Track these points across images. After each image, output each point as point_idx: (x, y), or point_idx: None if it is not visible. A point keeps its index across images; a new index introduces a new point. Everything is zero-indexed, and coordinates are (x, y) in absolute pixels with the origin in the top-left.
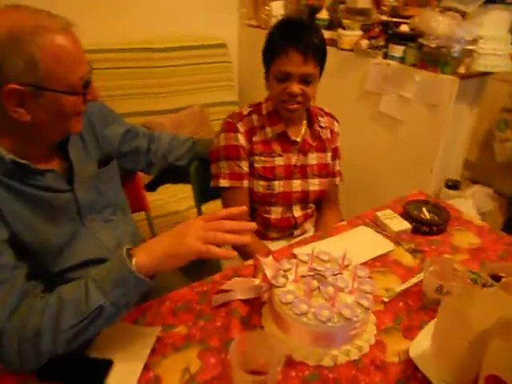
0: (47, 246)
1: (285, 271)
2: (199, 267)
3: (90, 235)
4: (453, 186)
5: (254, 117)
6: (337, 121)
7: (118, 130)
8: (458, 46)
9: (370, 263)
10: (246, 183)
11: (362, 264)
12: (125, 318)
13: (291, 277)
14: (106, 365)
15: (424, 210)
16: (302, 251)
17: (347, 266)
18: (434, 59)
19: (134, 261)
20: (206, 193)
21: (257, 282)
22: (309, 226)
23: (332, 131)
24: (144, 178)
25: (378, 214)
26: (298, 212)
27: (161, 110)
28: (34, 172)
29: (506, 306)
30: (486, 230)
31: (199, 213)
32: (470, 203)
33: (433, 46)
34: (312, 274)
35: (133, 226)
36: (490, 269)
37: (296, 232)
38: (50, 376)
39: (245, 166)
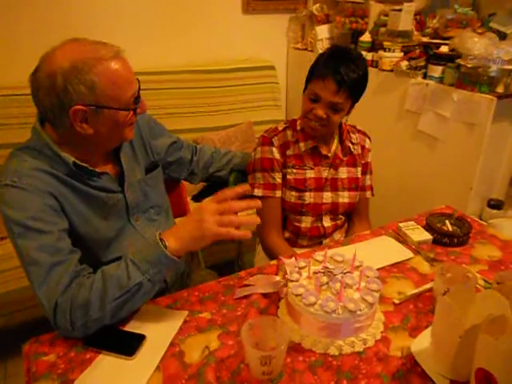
0: (98, 237)
1: (300, 268)
2: (234, 269)
3: (136, 232)
4: (496, 205)
5: (289, 132)
6: (369, 138)
7: (165, 142)
8: (495, 65)
9: (388, 269)
10: (278, 193)
11: (379, 269)
12: (159, 302)
13: (305, 273)
14: (140, 338)
15: (447, 222)
16: (321, 255)
17: (358, 267)
18: (472, 79)
19: (165, 244)
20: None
21: (277, 278)
22: (338, 237)
23: (363, 147)
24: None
25: (401, 224)
26: (327, 222)
27: (212, 126)
28: (92, 174)
29: (499, 306)
30: (510, 244)
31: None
32: (509, 222)
33: (469, 65)
34: (323, 271)
35: None
36: (499, 276)
37: (325, 241)
38: (94, 344)
39: (278, 178)
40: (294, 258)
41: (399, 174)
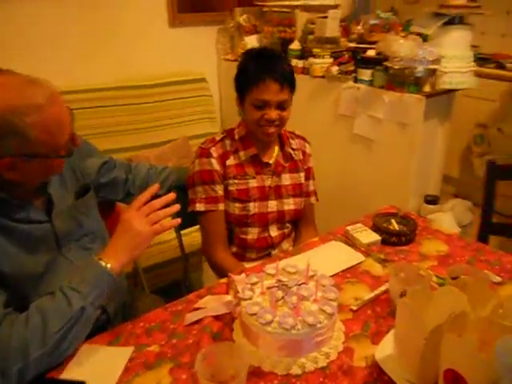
0: (25, 275)
1: (252, 284)
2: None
3: (69, 263)
4: (432, 201)
5: (227, 142)
6: (308, 142)
7: (95, 162)
8: (421, 66)
9: (341, 275)
10: (221, 206)
11: (332, 276)
12: (99, 340)
13: (258, 289)
14: None
15: (393, 221)
16: (273, 268)
17: (312, 277)
18: (400, 80)
19: (104, 263)
20: (185, 219)
21: (229, 298)
22: (286, 246)
23: (304, 152)
24: None
25: (349, 228)
26: (274, 232)
27: (148, 144)
28: (13, 205)
29: (459, 302)
30: (455, 237)
31: (180, 240)
32: (449, 217)
33: (396, 67)
34: (277, 285)
35: None
36: (451, 271)
37: (274, 252)
38: None
39: (219, 190)
40: (243, 274)
41: (340, 178)
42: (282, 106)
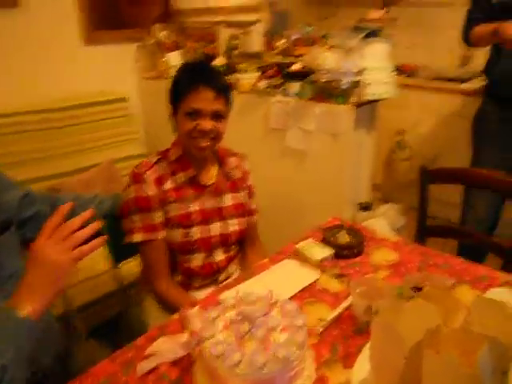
0: None
1: (212, 319)
2: (122, 333)
3: None
4: (365, 207)
5: (163, 164)
6: (246, 160)
7: (14, 196)
8: (346, 78)
9: (299, 295)
10: (161, 234)
11: (290, 298)
12: None
13: (220, 324)
14: None
15: (341, 234)
16: (227, 296)
17: (275, 303)
18: (328, 92)
19: (18, 310)
20: (122, 250)
21: (185, 337)
22: (233, 269)
23: (243, 170)
24: None
25: (298, 245)
26: (220, 256)
27: (69, 170)
28: None
29: (431, 315)
30: (401, 243)
31: (116, 273)
32: (383, 222)
33: (323, 80)
34: (241, 317)
35: None
36: (410, 282)
37: (221, 277)
38: None
39: (158, 217)
40: (197, 307)
41: (276, 193)
42: (217, 117)
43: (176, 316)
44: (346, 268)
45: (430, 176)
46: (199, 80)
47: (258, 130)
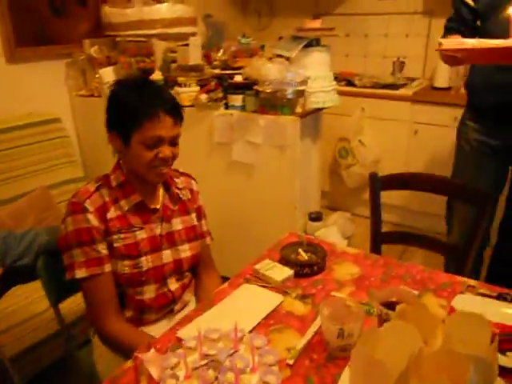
0: None
1: (172, 368)
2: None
3: None
4: (316, 218)
5: (104, 191)
6: (194, 179)
7: None
8: (291, 88)
9: (264, 323)
10: (107, 267)
11: (256, 326)
12: None
13: (181, 373)
14: None
15: (300, 251)
16: (187, 333)
17: (241, 339)
18: (272, 103)
19: None
20: (62, 288)
21: None
22: (189, 297)
23: (192, 190)
24: None
25: (257, 267)
26: (173, 285)
27: None
28: None
29: (412, 337)
30: (361, 256)
31: (57, 313)
32: (334, 230)
33: (268, 91)
34: (205, 362)
35: None
36: (378, 297)
37: (176, 307)
38: None
39: (102, 249)
40: (153, 350)
41: (227, 210)
42: (174, 142)
43: (129, 363)
44: (308, 287)
45: (381, 182)
46: (158, 107)
47: (202, 145)
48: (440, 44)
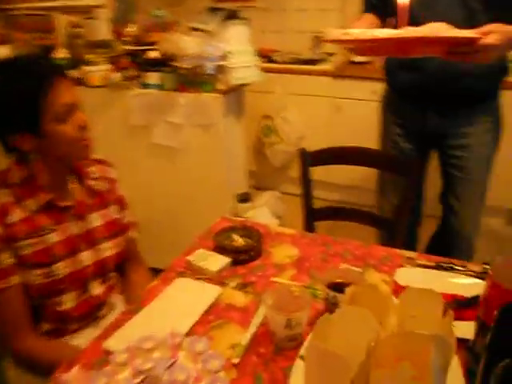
0: None
1: None
2: None
3: None
4: (244, 199)
5: (2, 191)
6: (110, 166)
7: None
8: (211, 63)
9: (202, 320)
10: (15, 279)
11: (194, 326)
12: None
13: None
14: None
15: (235, 236)
16: (115, 344)
17: (180, 345)
18: (192, 80)
19: None
20: None
21: None
22: (116, 299)
23: (109, 179)
24: None
25: (190, 258)
26: (97, 288)
27: None
28: None
29: (366, 322)
30: (298, 236)
31: None
32: (265, 211)
33: (187, 67)
34: (139, 380)
35: None
36: (323, 280)
37: (102, 312)
38: None
39: (6, 259)
40: (77, 368)
41: (151, 199)
42: (79, 107)
43: None
44: (247, 275)
45: (310, 158)
46: (50, 74)
47: (117, 128)
48: (325, 35)
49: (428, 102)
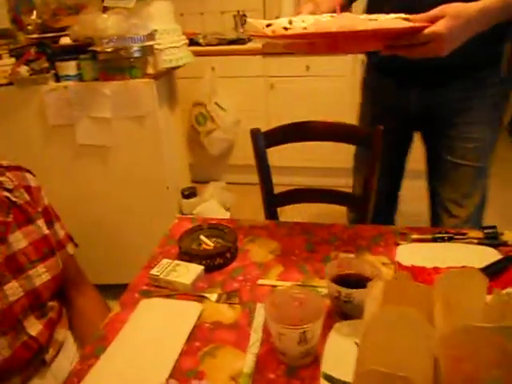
0: None
1: None
2: None
3: None
4: (190, 194)
5: None
6: (29, 172)
7: None
8: (136, 44)
9: (188, 349)
10: None
11: (180, 355)
12: None
13: None
14: None
15: (203, 238)
16: None
17: None
18: (116, 66)
19: None
20: None
21: None
22: (63, 336)
23: (29, 188)
24: None
25: (154, 272)
26: (35, 327)
27: None
28: None
29: (417, 326)
30: (273, 227)
31: None
32: (214, 204)
33: (109, 50)
34: None
35: None
36: (328, 274)
37: (48, 356)
38: None
39: None
40: None
41: (87, 206)
42: None
43: None
44: (228, 282)
45: (265, 138)
46: None
47: (33, 131)
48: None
49: (412, 74)
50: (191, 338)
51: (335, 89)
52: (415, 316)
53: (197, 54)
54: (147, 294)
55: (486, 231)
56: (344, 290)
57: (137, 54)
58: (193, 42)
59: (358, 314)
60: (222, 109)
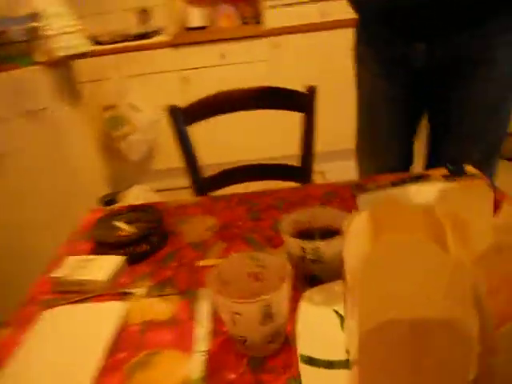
0: None
1: None
2: None
3: None
4: (110, 200)
5: None
6: None
7: None
8: (18, 25)
9: (112, 364)
10: None
11: (99, 376)
12: None
13: None
14: None
15: (119, 224)
16: None
17: None
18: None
19: None
20: None
21: None
22: None
23: None
24: None
25: (56, 274)
26: None
27: None
28: None
29: (431, 257)
30: (208, 203)
31: None
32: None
33: None
34: None
35: None
36: (281, 231)
37: None
38: None
39: None
40: None
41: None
42: None
43: None
44: (158, 271)
45: (185, 115)
46: None
47: None
48: None
49: (416, 24)
50: (114, 348)
51: (256, 75)
52: (429, 244)
53: (101, 53)
54: (49, 304)
55: (449, 167)
56: (309, 245)
57: (21, 38)
58: (94, 42)
59: (329, 275)
60: (136, 109)
